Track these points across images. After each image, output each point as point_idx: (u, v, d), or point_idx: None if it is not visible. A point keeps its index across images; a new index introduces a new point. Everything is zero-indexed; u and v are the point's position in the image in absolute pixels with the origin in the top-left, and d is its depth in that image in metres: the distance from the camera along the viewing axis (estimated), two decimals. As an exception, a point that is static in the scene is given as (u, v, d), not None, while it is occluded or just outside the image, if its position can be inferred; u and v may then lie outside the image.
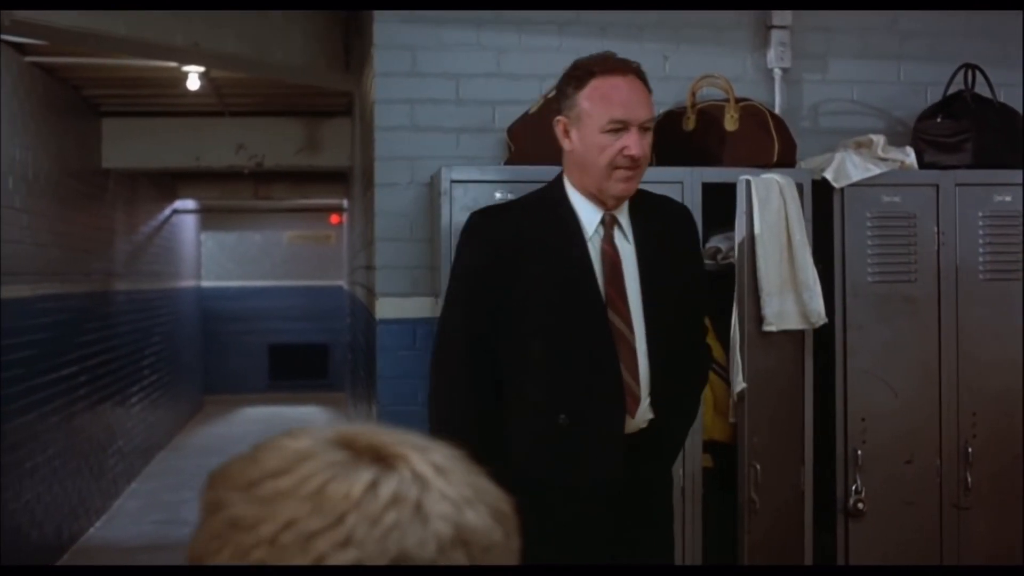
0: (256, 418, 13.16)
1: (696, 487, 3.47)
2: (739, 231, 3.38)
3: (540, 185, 3.25)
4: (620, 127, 2.48)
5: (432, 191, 3.60)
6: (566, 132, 2.55)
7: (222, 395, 14.06)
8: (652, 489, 2.68)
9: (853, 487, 3.55)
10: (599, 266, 2.55)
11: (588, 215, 2.57)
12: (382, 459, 0.71)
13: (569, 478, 2.54)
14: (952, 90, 3.80)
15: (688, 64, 3.84)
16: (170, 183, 11.22)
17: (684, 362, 2.67)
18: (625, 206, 2.61)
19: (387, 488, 0.68)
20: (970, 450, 3.61)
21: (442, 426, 2.56)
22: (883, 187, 3.59)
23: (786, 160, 3.55)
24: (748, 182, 3.36)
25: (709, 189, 3.50)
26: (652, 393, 2.59)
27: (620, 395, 2.53)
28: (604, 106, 2.49)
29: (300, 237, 14.73)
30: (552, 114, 2.64)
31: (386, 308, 3.75)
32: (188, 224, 12.95)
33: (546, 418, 2.52)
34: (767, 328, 3.36)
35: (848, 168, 3.55)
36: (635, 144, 2.49)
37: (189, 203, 12.41)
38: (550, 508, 2.52)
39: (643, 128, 2.52)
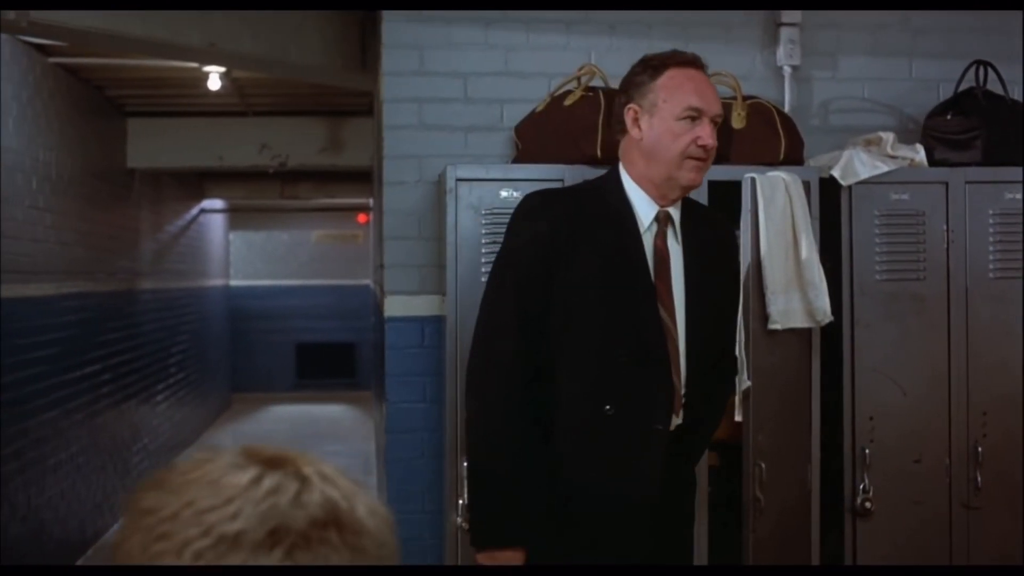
0: (283, 416, 13.26)
1: (702, 485, 3.46)
2: (744, 229, 3.37)
3: (546, 183, 3.28)
4: (696, 115, 2.49)
5: (440, 189, 3.62)
6: (636, 120, 2.54)
7: (250, 393, 14.15)
8: (681, 491, 2.69)
9: (861, 486, 3.54)
10: (651, 261, 2.54)
11: (644, 209, 2.55)
12: (274, 464, 0.85)
13: (611, 473, 2.51)
14: (964, 87, 3.77)
15: (697, 62, 3.82)
16: (197, 183, 11.32)
17: (714, 370, 2.69)
18: (678, 207, 2.61)
19: (270, 480, 0.83)
20: (980, 449, 3.58)
21: (488, 412, 2.50)
22: (891, 185, 3.57)
23: (793, 158, 3.54)
24: (753, 180, 3.35)
25: (715, 187, 3.49)
26: (686, 395, 2.58)
27: (670, 392, 2.52)
28: (681, 94, 2.50)
29: (328, 236, 14.81)
30: (620, 105, 2.62)
31: (394, 306, 3.77)
32: (216, 223, 13.05)
33: (592, 408, 2.49)
34: (772, 326, 3.35)
35: (856, 166, 3.54)
36: (709, 134, 2.50)
37: (217, 202, 12.50)
38: (592, 500, 2.51)
39: (714, 122, 2.54)
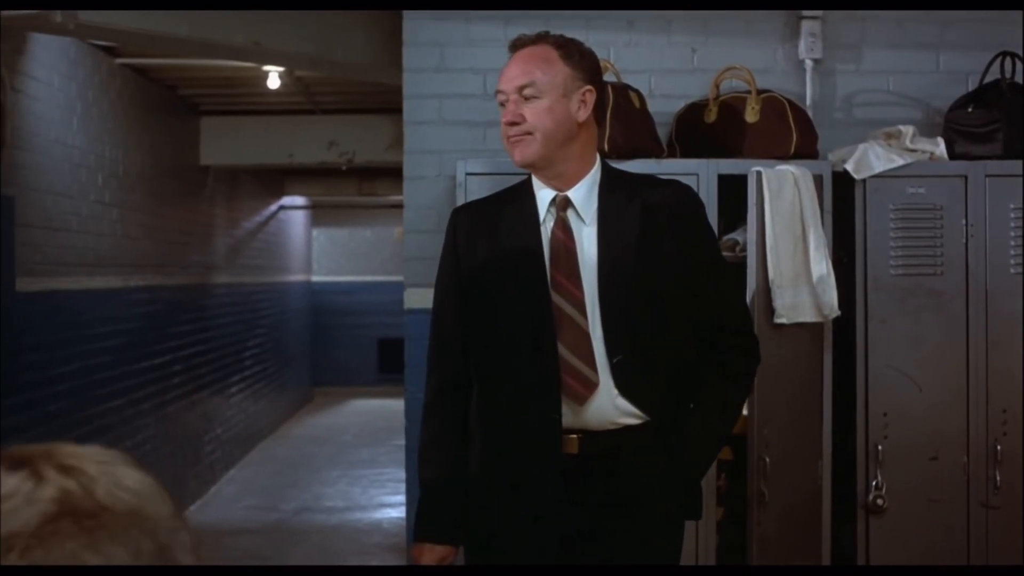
0: (364, 410, 13.47)
1: (710, 479, 3.45)
2: (750, 223, 3.37)
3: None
4: (504, 98, 2.48)
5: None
6: None
7: (332, 387, 14.40)
8: (645, 503, 2.47)
9: (874, 483, 3.50)
10: (548, 250, 2.47)
11: (542, 197, 2.51)
12: (16, 464, 0.84)
13: (516, 467, 2.46)
14: (990, 79, 3.71)
15: (717, 56, 3.83)
16: (278, 180, 11.56)
17: (695, 352, 2.50)
18: (588, 186, 2.50)
19: (7, 485, 0.82)
20: (999, 448, 3.52)
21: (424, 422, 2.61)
22: (908, 178, 3.53)
23: (805, 151, 3.52)
24: (759, 174, 3.35)
25: (728, 182, 3.49)
26: (622, 384, 2.42)
27: (555, 374, 2.42)
28: (498, 83, 2.52)
29: (408, 233, 14.99)
30: None
31: (413, 298, 3.84)
32: (297, 220, 13.30)
33: (496, 404, 2.50)
34: (778, 320, 3.34)
35: (870, 159, 3.51)
36: (508, 112, 2.46)
37: (298, 199, 12.74)
38: (508, 500, 2.49)
39: (525, 96, 2.44)
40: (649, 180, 2.67)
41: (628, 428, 2.44)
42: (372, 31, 5.27)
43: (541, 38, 2.51)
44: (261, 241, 11.12)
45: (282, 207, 11.98)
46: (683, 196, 2.56)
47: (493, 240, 2.52)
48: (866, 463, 3.52)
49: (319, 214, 14.26)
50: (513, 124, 2.45)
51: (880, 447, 3.50)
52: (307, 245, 14.39)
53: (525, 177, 2.60)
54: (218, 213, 9.16)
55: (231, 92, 7.75)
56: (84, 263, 5.97)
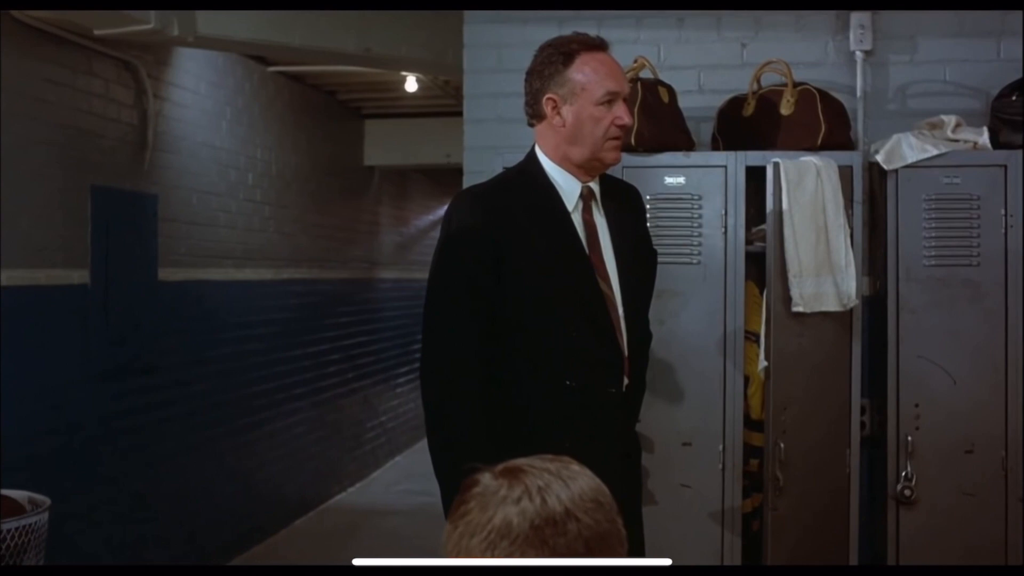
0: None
1: (736, 462, 3.53)
2: (769, 213, 3.43)
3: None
4: (613, 98, 2.62)
5: (508, 178, 3.88)
6: (556, 109, 2.65)
7: (515, 382, 14.72)
8: (632, 456, 2.78)
9: (903, 474, 3.50)
10: (583, 236, 2.65)
11: (568, 188, 2.67)
12: None
13: (575, 440, 2.53)
14: (1045, 66, 3.63)
15: (767, 51, 3.88)
16: (455, 179, 11.95)
17: (644, 331, 2.80)
18: (596, 181, 2.72)
19: None
20: (1039, 442, 3.45)
21: (452, 407, 2.55)
22: (943, 168, 3.51)
23: (836, 142, 3.54)
24: (777, 165, 3.41)
25: (751, 172, 3.56)
26: (630, 357, 2.67)
27: (620, 357, 2.64)
28: (598, 79, 2.61)
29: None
30: (536, 93, 2.70)
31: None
32: (478, 219, 13.71)
33: (553, 383, 2.60)
34: (795, 309, 3.39)
35: (903, 150, 3.50)
36: (625, 112, 2.63)
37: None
38: None
39: (625, 100, 2.66)
40: (611, 178, 2.83)
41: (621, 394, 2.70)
42: (479, 35, 5.51)
43: (607, 46, 2.72)
44: (434, 239, 11.52)
45: (459, 206, 12.36)
46: (639, 196, 2.86)
47: (533, 229, 2.61)
48: (896, 454, 3.51)
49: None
50: (630, 126, 2.70)
51: (910, 438, 3.49)
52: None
53: (519, 164, 2.80)
54: (383, 211, 9.62)
55: (387, 96, 8.15)
56: (231, 256, 6.47)
